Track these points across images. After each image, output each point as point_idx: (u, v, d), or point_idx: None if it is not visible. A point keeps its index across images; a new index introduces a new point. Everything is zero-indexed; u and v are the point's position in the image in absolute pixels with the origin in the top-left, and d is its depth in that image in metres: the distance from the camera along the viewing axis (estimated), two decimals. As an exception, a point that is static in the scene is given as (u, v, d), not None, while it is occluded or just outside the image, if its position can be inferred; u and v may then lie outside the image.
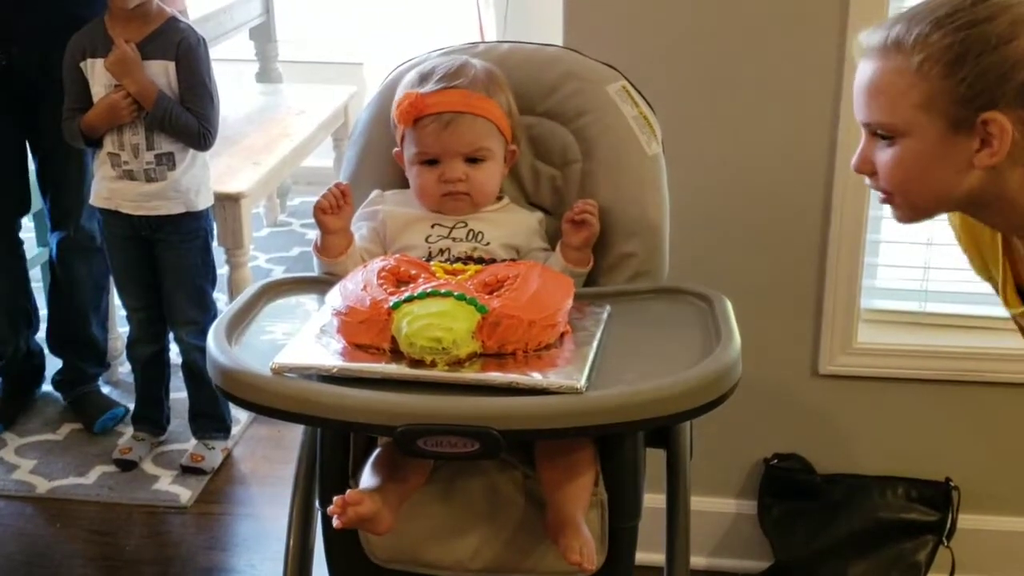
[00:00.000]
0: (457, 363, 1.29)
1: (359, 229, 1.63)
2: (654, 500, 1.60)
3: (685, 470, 1.60)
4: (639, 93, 1.68)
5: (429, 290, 1.33)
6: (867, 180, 1.41)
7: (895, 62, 1.31)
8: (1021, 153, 1.30)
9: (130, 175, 2.47)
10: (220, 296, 3.31)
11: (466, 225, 1.61)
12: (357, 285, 1.37)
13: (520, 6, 2.66)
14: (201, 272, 2.62)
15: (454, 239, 1.60)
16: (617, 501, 1.51)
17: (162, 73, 2.43)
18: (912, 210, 1.40)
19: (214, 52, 3.94)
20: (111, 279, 2.77)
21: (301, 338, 1.36)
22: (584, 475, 1.46)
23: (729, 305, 1.47)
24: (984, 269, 1.55)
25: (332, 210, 1.55)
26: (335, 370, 1.29)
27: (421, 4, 4.45)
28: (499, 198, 1.66)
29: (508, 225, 1.63)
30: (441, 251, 1.59)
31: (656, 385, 1.27)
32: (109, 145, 2.46)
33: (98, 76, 2.43)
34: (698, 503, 1.71)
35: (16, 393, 2.91)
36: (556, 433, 1.28)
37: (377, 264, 1.42)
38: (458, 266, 1.46)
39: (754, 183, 2.05)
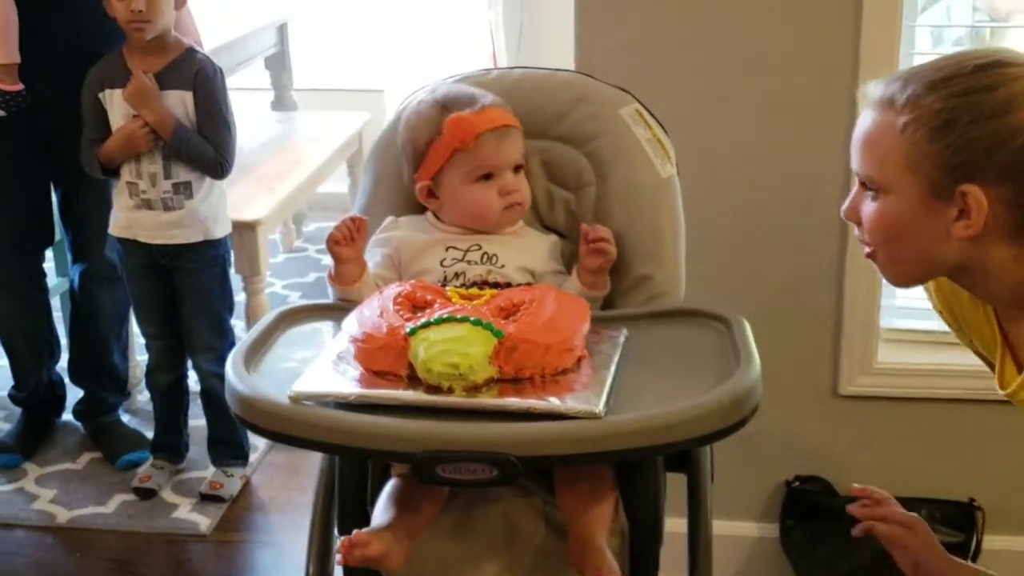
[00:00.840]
0: (474, 389, 1.28)
1: (373, 256, 1.63)
2: (675, 524, 1.59)
3: (706, 494, 1.58)
4: (652, 116, 1.68)
5: (445, 315, 1.32)
6: (856, 230, 1.40)
7: (886, 118, 1.28)
8: (1002, 229, 1.26)
9: (148, 204, 2.48)
10: (237, 323, 3.32)
11: (480, 248, 1.61)
12: (373, 311, 1.37)
13: (532, 32, 2.67)
14: (219, 299, 2.63)
15: (469, 262, 1.60)
16: (638, 527, 1.50)
17: (179, 103, 2.45)
18: (895, 270, 1.38)
19: (229, 82, 3.99)
20: (131, 308, 2.78)
21: (318, 365, 1.36)
22: (605, 500, 1.45)
23: (747, 326, 1.46)
24: (961, 333, 1.52)
25: (345, 241, 1.55)
26: (353, 397, 1.29)
27: (437, 30, 4.47)
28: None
29: (522, 248, 1.63)
30: (456, 275, 1.59)
31: (675, 409, 1.26)
32: (127, 174, 2.48)
33: (116, 106, 2.46)
34: (720, 527, 1.69)
35: (37, 424, 2.92)
36: (575, 459, 1.27)
37: (393, 290, 1.42)
38: (473, 291, 1.46)
39: (770, 203, 2.05)
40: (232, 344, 2.66)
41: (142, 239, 2.53)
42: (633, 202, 1.64)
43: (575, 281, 1.58)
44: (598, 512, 1.44)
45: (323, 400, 1.29)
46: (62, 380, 2.95)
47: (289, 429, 1.29)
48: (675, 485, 1.59)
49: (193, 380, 2.76)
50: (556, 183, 1.70)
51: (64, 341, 2.95)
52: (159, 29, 2.42)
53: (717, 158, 2.04)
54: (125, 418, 3.00)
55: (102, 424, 2.91)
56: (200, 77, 2.46)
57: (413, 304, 1.40)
